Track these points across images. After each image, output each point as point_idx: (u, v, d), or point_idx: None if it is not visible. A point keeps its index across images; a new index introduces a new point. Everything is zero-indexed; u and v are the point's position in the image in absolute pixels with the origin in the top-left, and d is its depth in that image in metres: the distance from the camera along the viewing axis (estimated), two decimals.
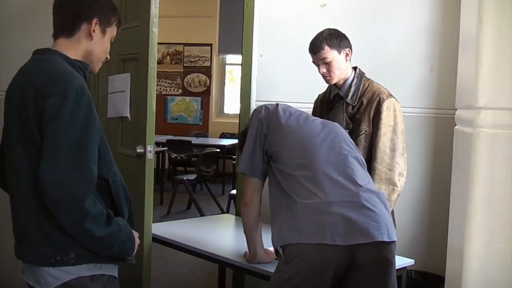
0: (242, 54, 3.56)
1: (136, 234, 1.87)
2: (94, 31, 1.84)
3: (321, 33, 2.67)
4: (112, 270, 1.85)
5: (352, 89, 2.70)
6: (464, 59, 2.70)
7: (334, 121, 2.66)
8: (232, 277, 3.57)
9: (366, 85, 2.71)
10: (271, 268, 2.37)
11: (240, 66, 3.67)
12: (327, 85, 2.97)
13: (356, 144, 2.63)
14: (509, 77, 2.35)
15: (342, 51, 2.66)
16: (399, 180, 2.63)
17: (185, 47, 10.01)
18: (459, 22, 2.75)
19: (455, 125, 2.72)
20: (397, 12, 3.37)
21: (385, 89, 2.70)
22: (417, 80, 3.35)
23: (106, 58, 1.95)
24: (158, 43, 2.82)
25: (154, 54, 2.74)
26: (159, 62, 9.54)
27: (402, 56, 3.36)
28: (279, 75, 3.49)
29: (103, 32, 1.88)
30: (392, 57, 3.34)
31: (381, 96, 2.65)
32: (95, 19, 1.84)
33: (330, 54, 2.64)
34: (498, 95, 2.37)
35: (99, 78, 3.34)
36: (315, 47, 2.65)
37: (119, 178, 1.86)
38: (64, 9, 1.86)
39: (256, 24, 3.48)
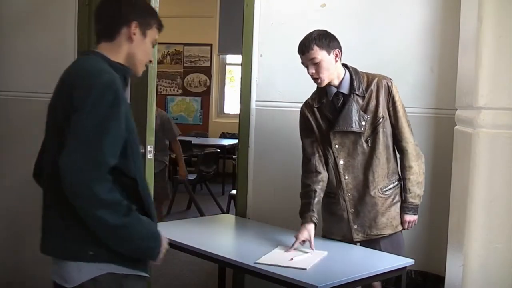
0: (242, 54, 3.55)
1: (165, 240, 1.86)
2: (134, 34, 1.90)
3: (310, 34, 2.68)
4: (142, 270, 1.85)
5: (356, 82, 2.72)
6: (464, 59, 2.70)
7: (349, 117, 2.70)
8: (232, 277, 3.57)
9: (365, 77, 2.75)
10: (271, 268, 2.37)
11: (240, 66, 3.67)
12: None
13: (377, 132, 2.71)
14: (509, 77, 2.35)
15: (332, 52, 2.66)
16: (420, 150, 2.81)
17: (185, 47, 10.00)
18: (459, 22, 2.76)
19: (455, 125, 2.72)
20: (397, 12, 3.37)
21: (383, 75, 2.78)
22: (417, 80, 3.35)
23: (150, 61, 2.02)
24: (158, 43, 2.81)
25: (154, 54, 2.74)
26: (159, 62, 9.53)
27: (402, 56, 3.35)
28: (279, 75, 3.49)
29: (144, 34, 1.93)
30: (392, 57, 3.33)
31: (387, 83, 2.73)
32: (134, 22, 1.90)
33: (319, 54, 2.64)
34: (498, 95, 2.37)
35: None
36: (304, 47, 2.66)
37: (145, 182, 1.90)
38: (103, 15, 1.94)
39: (256, 24, 3.48)
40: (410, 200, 2.76)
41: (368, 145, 2.71)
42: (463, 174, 2.46)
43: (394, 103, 2.72)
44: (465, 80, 2.60)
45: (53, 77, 3.59)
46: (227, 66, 10.18)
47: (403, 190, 2.78)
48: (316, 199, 2.71)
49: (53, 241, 1.81)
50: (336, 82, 2.71)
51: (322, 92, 2.78)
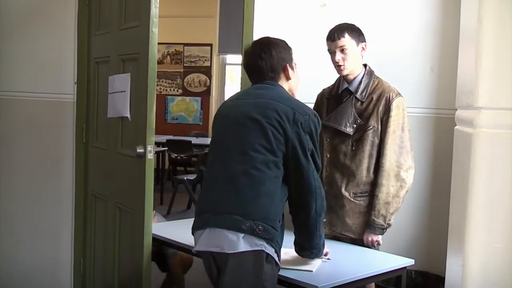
0: (242, 54, 3.55)
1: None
2: (288, 73, 2.35)
3: (342, 24, 2.77)
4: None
5: (362, 85, 2.75)
6: (464, 59, 2.70)
7: (341, 115, 2.70)
8: None
9: (376, 83, 2.76)
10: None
11: (240, 66, 3.66)
12: (327, 84, 2.97)
13: (363, 139, 2.69)
14: (509, 77, 2.35)
15: (360, 44, 2.75)
16: (407, 177, 2.71)
17: (185, 47, 10.00)
18: (459, 22, 2.76)
19: (455, 125, 2.72)
20: (397, 12, 3.37)
21: (394, 88, 2.76)
22: (417, 80, 3.35)
23: None
24: (158, 43, 2.81)
25: (154, 54, 2.74)
26: (159, 62, 9.53)
27: (402, 56, 3.36)
28: None
29: (293, 69, 2.39)
30: (392, 57, 3.33)
31: (390, 94, 2.71)
32: (286, 64, 2.34)
33: (349, 43, 2.72)
34: (498, 95, 2.37)
35: (99, 78, 3.33)
36: (336, 34, 2.72)
37: None
38: (262, 70, 2.33)
39: (256, 24, 3.48)
40: (373, 217, 2.71)
41: (352, 148, 2.73)
42: (463, 174, 2.46)
43: (388, 117, 2.69)
44: (465, 80, 2.60)
45: (53, 77, 3.61)
46: (227, 66, 10.18)
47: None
48: None
49: (221, 215, 2.24)
50: (351, 77, 2.77)
51: (337, 85, 2.85)
